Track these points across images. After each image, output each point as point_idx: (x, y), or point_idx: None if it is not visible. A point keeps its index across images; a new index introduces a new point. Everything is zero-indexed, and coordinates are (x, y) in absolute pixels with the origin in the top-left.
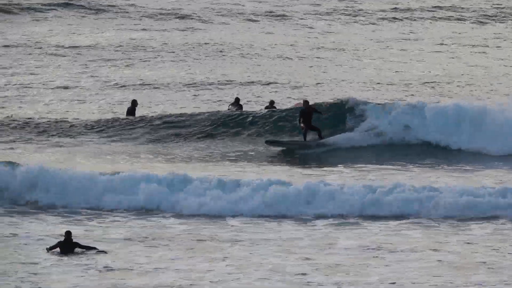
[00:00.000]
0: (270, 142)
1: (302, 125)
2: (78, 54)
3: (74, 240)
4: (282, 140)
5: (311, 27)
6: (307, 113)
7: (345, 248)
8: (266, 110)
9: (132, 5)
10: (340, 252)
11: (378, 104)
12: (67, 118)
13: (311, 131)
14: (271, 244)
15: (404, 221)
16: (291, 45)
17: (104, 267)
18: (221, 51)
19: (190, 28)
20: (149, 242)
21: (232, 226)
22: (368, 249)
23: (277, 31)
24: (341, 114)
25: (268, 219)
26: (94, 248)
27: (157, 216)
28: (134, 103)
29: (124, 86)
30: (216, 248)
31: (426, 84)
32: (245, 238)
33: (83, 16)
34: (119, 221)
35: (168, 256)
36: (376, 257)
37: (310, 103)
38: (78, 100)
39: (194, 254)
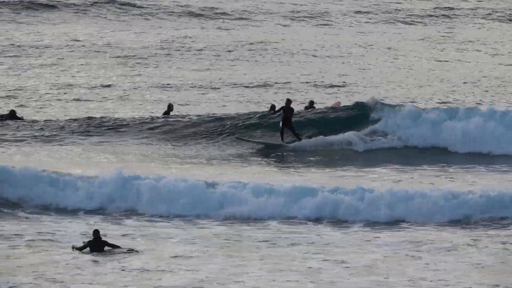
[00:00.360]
0: (240, 139)
1: (281, 123)
2: (121, 51)
3: (102, 239)
4: (251, 139)
5: (351, 26)
6: (287, 112)
7: (381, 251)
8: (306, 110)
9: (174, 3)
10: (376, 251)
11: (417, 108)
12: (110, 116)
13: (288, 130)
14: (308, 246)
15: (440, 222)
16: (331, 45)
17: (138, 267)
18: (265, 50)
19: (228, 28)
20: (185, 242)
21: (270, 228)
22: (403, 250)
23: (318, 31)
24: (362, 114)
25: (305, 221)
26: (120, 247)
27: (193, 216)
28: (170, 107)
29: (168, 85)
30: (253, 249)
31: (466, 84)
32: (282, 239)
33: (125, 13)
34: (155, 221)
35: (204, 256)
36: (411, 256)
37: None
38: (121, 99)
39: (230, 254)
